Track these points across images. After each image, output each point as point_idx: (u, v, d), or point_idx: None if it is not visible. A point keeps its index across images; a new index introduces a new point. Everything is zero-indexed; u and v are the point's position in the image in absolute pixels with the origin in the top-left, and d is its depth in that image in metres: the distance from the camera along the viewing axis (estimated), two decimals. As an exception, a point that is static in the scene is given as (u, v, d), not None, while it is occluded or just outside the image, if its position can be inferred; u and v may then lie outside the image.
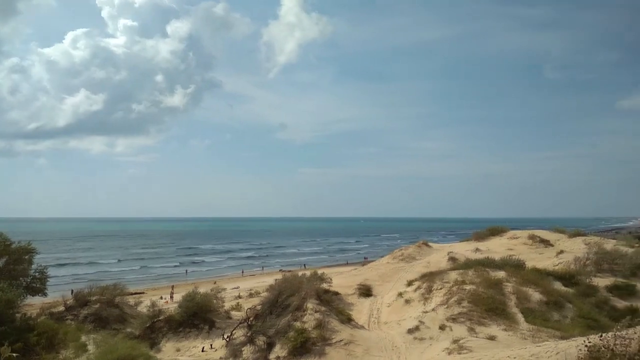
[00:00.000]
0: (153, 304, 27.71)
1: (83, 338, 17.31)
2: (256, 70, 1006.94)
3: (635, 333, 8.03)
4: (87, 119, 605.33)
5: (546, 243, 45.58)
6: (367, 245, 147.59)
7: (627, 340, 7.75)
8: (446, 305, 23.48)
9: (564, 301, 24.12)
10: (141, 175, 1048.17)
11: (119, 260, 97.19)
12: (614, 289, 28.14)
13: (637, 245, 37.50)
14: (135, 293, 49.08)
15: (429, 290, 27.46)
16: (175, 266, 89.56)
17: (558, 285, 26.84)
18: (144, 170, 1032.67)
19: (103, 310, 26.46)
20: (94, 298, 27.41)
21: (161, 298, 46.84)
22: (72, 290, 30.84)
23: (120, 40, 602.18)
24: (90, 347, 15.32)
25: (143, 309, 28.63)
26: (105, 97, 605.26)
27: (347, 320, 23.08)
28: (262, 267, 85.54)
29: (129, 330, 25.16)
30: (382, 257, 52.81)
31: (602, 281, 29.26)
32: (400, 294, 29.28)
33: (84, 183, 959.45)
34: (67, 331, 17.52)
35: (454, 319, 21.60)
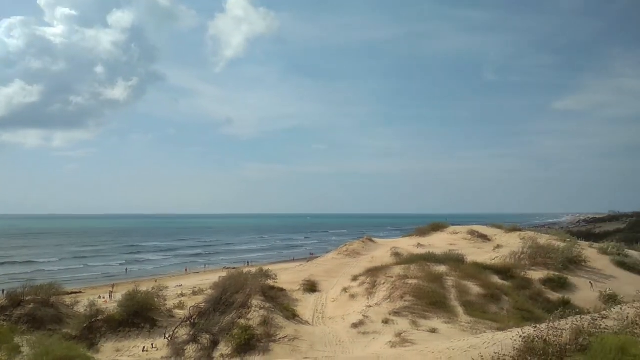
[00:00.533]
0: (91, 304, 26.72)
1: (16, 339, 16.49)
2: (202, 64, 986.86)
3: (567, 324, 8.39)
4: (22, 111, 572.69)
5: (485, 238, 47.31)
6: (314, 242, 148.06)
7: (560, 330, 8.09)
8: (390, 300, 23.88)
9: (501, 294, 25.04)
10: (79, 170, 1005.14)
11: (60, 259, 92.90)
12: (547, 282, 29.49)
13: (568, 240, 39.40)
14: (72, 292, 47.06)
15: (374, 285, 27.87)
16: (120, 264, 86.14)
17: (496, 279, 27.82)
18: (82, 165, 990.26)
19: (38, 311, 25.30)
20: (28, 298, 26.17)
21: (100, 297, 45.22)
22: (3, 290, 29.32)
23: (58, 30, 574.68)
24: (25, 349, 14.62)
25: (81, 309, 27.54)
26: (42, 89, 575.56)
27: (292, 316, 23.11)
28: (205, 265, 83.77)
29: (65, 331, 24.16)
30: (328, 252, 53.15)
31: (536, 274, 30.60)
32: (345, 289, 29.58)
33: (17, 179, 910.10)
34: (-1, 333, 16.65)
35: (397, 312, 21.98)
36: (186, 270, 77.49)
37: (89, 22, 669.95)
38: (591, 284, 29.63)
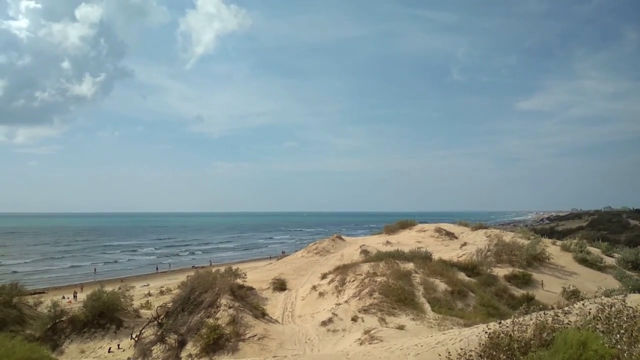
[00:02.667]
0: (55, 304, 26.04)
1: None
2: (171, 61, 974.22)
3: (531, 319, 8.54)
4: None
5: (451, 236, 48.07)
6: (284, 239, 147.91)
7: (524, 326, 8.23)
8: (358, 297, 24.00)
9: (467, 290, 25.45)
10: (42, 167, 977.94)
11: (29, 260, 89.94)
12: (512, 279, 30.13)
13: (532, 237, 40.34)
14: (35, 293, 45.78)
15: (342, 282, 27.96)
16: (91, 264, 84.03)
17: (462, 276, 28.26)
18: (46, 162, 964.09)
19: (-1, 312, 24.54)
20: (-12, 299, 25.35)
21: (64, 298, 44.14)
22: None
23: (23, 23, 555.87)
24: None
25: (44, 309, 26.82)
26: (6, 84, 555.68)
27: (262, 315, 22.98)
28: (169, 265, 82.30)
29: (28, 332, 23.52)
30: (297, 251, 53.10)
31: (501, 271, 31.21)
32: (314, 287, 29.60)
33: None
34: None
35: (365, 310, 22.10)
36: (157, 269, 76.36)
37: (56, 16, 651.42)
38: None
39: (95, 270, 75.57)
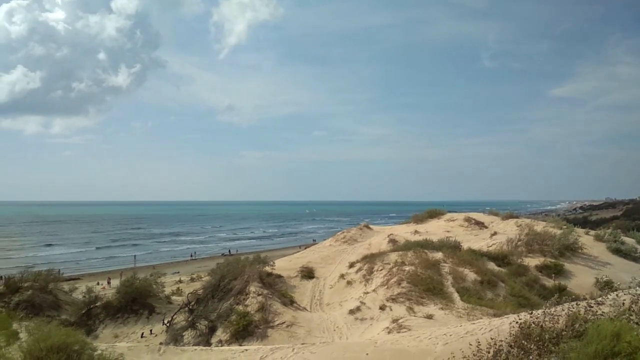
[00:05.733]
0: (89, 290, 26.81)
1: (14, 325, 16.50)
2: (204, 52, 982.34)
3: (562, 310, 8.39)
4: (24, 97, 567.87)
5: (481, 225, 47.36)
6: (314, 228, 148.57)
7: (556, 317, 8.09)
8: (386, 286, 23.97)
9: (497, 280, 25.14)
10: (76, 157, 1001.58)
11: (72, 246, 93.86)
12: (543, 269, 29.57)
13: (565, 227, 39.49)
14: (71, 279, 47.30)
15: (370, 271, 27.95)
16: (133, 252, 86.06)
17: (492, 266, 27.90)
18: (79, 152, 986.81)
19: (36, 297, 25.37)
20: (26, 284, 26.23)
21: (98, 284, 45.37)
22: (2, 277, 29.35)
23: (60, 15, 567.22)
24: (23, 335, 14.64)
25: (79, 295, 27.63)
26: (44, 75, 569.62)
27: (290, 302, 23.22)
28: (194, 253, 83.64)
29: (64, 317, 24.27)
30: (325, 240, 53.24)
31: (532, 261, 30.69)
32: (342, 276, 29.68)
33: (16, 165, 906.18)
34: (-3, 319, 16.64)
35: (393, 299, 22.08)
36: (191, 256, 78.10)
37: (92, 8, 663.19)
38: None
39: (135, 257, 77.26)
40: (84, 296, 26.25)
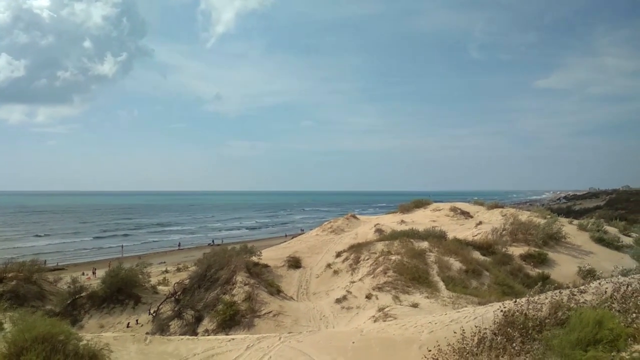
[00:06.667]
0: (74, 280, 26.58)
1: (-2, 316, 16.35)
2: (191, 40, 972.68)
3: (546, 298, 8.51)
4: (8, 86, 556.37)
5: (466, 215, 47.77)
6: (301, 218, 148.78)
7: (539, 305, 8.22)
8: (373, 275, 24.09)
9: (481, 269, 25.39)
10: (60, 146, 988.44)
11: (36, 236, 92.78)
12: (527, 258, 29.92)
13: (549, 216, 39.93)
14: (55, 269, 46.90)
15: (357, 260, 28.07)
16: (116, 242, 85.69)
17: (477, 255, 28.13)
18: (63, 141, 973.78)
19: (20, 287, 25.07)
20: (10, 275, 25.92)
21: (83, 274, 45.04)
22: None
23: (44, 2, 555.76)
24: (7, 325, 14.52)
25: (63, 285, 27.38)
26: (28, 63, 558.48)
27: (277, 292, 23.24)
28: (180, 244, 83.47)
29: (48, 307, 24.03)
30: (311, 229, 53.32)
31: (516, 250, 31.04)
32: (329, 265, 29.78)
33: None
34: (-21, 310, 16.46)
35: (379, 288, 22.20)
36: (178, 246, 77.68)
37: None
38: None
39: (122, 247, 76.75)
40: (69, 286, 26.02)
